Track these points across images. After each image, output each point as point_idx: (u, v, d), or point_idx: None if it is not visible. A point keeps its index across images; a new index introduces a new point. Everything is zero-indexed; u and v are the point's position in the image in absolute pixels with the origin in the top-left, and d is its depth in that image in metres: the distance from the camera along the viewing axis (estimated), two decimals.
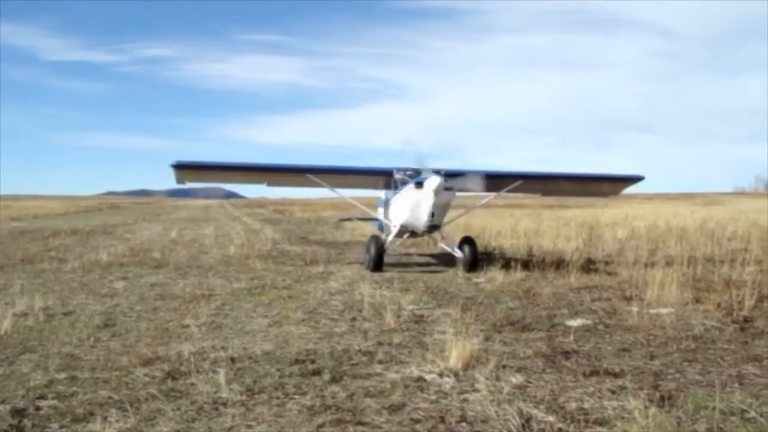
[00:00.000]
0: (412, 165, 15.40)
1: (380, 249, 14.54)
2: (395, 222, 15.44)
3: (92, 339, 7.77)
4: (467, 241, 15.10)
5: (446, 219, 17.47)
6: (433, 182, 13.81)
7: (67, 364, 6.67)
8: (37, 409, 5.34)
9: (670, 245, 18.45)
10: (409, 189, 14.39)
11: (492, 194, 17.32)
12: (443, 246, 15.70)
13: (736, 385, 6.05)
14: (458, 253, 14.77)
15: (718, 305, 9.82)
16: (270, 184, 17.59)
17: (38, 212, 50.34)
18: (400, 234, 15.55)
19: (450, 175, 14.56)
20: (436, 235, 15.62)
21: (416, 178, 14.50)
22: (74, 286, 11.92)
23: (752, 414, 5.17)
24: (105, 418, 5.04)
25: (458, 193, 15.29)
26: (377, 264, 14.38)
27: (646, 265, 14.09)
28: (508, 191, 16.78)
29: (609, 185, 18.08)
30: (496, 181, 16.04)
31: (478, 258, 14.83)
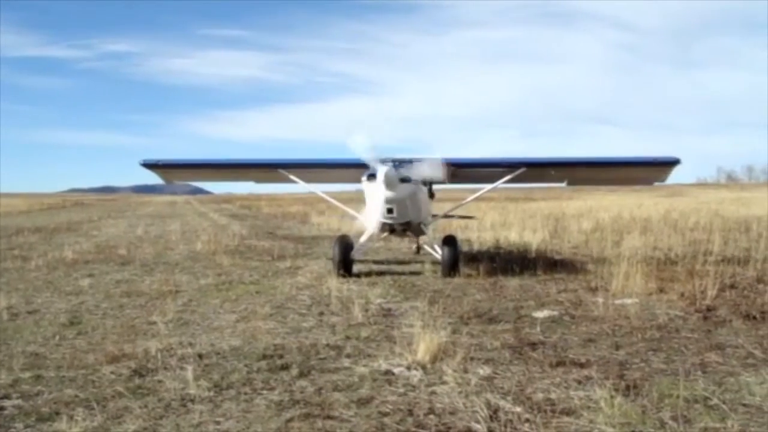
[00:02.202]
0: (394, 156, 13.31)
1: (345, 251, 12.82)
2: (368, 220, 13.38)
3: (57, 337, 7.68)
4: (447, 241, 13.10)
5: (460, 212, 16.77)
6: (381, 173, 11.73)
7: (31, 363, 6.59)
8: (1, 409, 5.27)
9: (635, 236, 18.65)
10: (364, 182, 12.54)
11: (488, 186, 15.22)
12: (424, 246, 14.18)
13: (700, 373, 6.14)
14: (438, 255, 13.04)
15: (682, 295, 9.97)
16: (244, 180, 17.30)
17: (0, 210, 49.56)
18: (376, 232, 13.52)
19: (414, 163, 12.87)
20: (423, 237, 13.98)
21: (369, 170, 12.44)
22: (39, 285, 11.77)
23: (715, 401, 5.25)
24: (71, 417, 4.99)
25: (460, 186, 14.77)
26: (344, 268, 12.64)
27: (610, 257, 14.23)
28: (509, 181, 14.65)
29: (644, 170, 15.29)
30: (494, 170, 14.61)
31: (459, 261, 12.86)
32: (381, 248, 17.20)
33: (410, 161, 13.15)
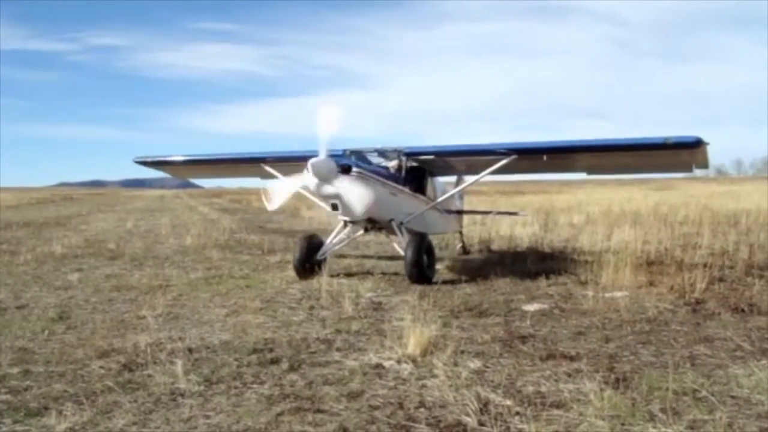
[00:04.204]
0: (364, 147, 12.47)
1: (309, 252, 11.81)
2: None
3: (46, 332, 7.65)
4: (412, 242, 11.28)
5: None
6: (310, 163, 10.45)
7: (20, 358, 6.57)
8: None
9: (624, 230, 18.69)
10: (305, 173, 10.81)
11: (472, 177, 13.73)
12: (395, 245, 12.62)
13: (689, 365, 6.17)
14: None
15: (671, 288, 10.00)
16: (222, 176, 16.95)
17: None
18: (347, 229, 12.44)
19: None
20: (397, 234, 12.07)
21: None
22: (27, 279, 11.72)
23: (704, 393, 5.28)
24: (60, 412, 4.97)
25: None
26: (307, 270, 11.60)
27: (600, 250, 14.27)
28: (501, 171, 12.64)
29: (658, 155, 11.90)
30: (478, 158, 12.69)
31: (425, 265, 11.12)
32: (371, 242, 17.15)
33: (375, 152, 12.36)
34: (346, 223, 12.16)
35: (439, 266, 13.16)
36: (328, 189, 10.73)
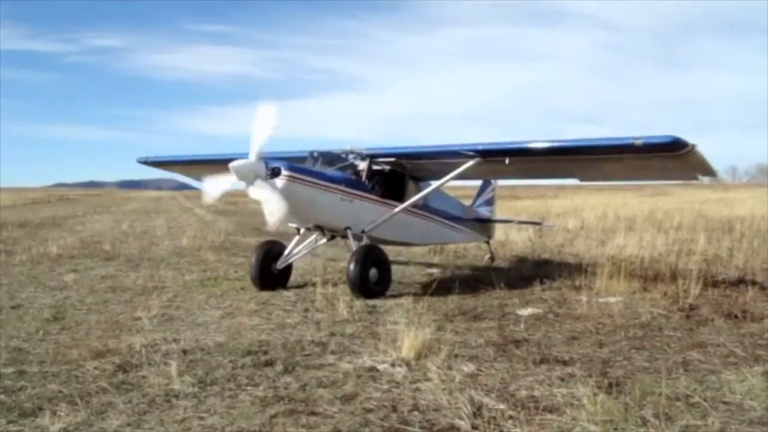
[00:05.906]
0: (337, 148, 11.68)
1: (266, 261, 10.88)
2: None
3: (41, 332, 7.65)
4: (356, 253, 10.29)
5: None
6: (231, 168, 9.56)
7: (15, 358, 6.57)
8: None
9: (620, 235, 18.73)
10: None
11: (435, 182, 11.89)
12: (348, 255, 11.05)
13: (682, 371, 6.20)
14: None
15: (665, 294, 10.04)
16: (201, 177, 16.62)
17: None
18: (313, 236, 11.56)
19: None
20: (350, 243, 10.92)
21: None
22: (23, 279, 11.71)
23: (696, 399, 5.30)
24: (54, 413, 4.98)
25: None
26: (263, 282, 10.76)
27: (595, 255, 14.30)
28: (462, 175, 11.45)
29: (650, 159, 10.13)
30: (442, 161, 11.42)
31: (369, 280, 10.15)
32: None
33: (344, 154, 11.48)
34: (299, 231, 11.29)
35: (433, 270, 13.18)
36: (258, 193, 9.67)
